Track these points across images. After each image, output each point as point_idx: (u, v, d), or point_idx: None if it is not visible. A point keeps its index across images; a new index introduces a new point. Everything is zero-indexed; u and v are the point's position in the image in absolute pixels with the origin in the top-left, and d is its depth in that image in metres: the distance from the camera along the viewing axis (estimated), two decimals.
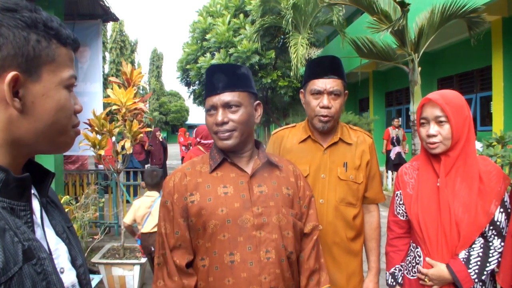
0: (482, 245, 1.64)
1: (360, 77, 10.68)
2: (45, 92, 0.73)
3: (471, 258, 1.62)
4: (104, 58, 27.89)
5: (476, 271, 1.60)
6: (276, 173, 1.49)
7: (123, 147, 4.02)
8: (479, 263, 1.61)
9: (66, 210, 3.44)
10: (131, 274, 3.94)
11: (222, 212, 1.35)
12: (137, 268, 3.94)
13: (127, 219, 3.78)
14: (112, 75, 29.18)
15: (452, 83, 10.66)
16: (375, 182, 1.97)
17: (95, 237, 4.38)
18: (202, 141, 4.22)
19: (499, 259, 1.63)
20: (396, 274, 1.84)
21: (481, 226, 1.62)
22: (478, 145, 5.38)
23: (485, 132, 8.63)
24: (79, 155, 6.48)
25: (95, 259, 4.01)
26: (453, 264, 1.61)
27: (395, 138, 10.25)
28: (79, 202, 4.38)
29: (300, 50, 11.54)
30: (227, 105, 1.38)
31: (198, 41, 15.16)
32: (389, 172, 9.29)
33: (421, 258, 1.71)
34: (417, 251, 1.75)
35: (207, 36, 14.32)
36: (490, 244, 1.64)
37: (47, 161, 4.48)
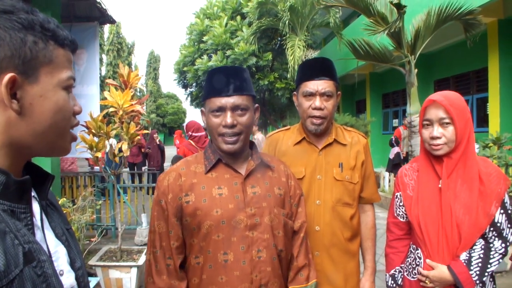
0: (483, 247, 1.64)
1: (357, 79, 10.70)
2: (43, 94, 0.73)
3: (472, 259, 1.62)
4: (101, 60, 27.83)
5: (477, 272, 1.60)
6: (269, 174, 1.52)
7: (120, 149, 4.01)
8: (480, 264, 1.61)
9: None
10: (128, 277, 3.93)
11: (217, 213, 1.38)
12: (134, 271, 3.92)
13: None
14: (109, 77, 29.15)
15: (448, 85, 10.70)
16: (370, 182, 1.98)
17: (92, 239, 4.37)
18: (194, 134, 4.27)
19: (500, 260, 1.64)
20: (396, 275, 1.85)
21: (481, 227, 1.62)
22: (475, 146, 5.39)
23: (481, 133, 8.66)
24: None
25: (92, 261, 4.00)
26: (455, 266, 1.61)
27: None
28: (76, 205, 4.37)
29: (297, 52, 11.56)
30: (236, 108, 1.40)
31: (195, 43, 15.16)
32: (386, 173, 9.31)
33: (421, 260, 1.71)
34: (417, 253, 1.75)
35: (204, 38, 14.33)
36: (491, 245, 1.64)
37: (44, 163, 4.47)
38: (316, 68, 1.86)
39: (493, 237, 1.66)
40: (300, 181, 1.86)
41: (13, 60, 0.68)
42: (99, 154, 3.94)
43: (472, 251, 1.64)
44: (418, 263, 1.73)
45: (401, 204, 1.82)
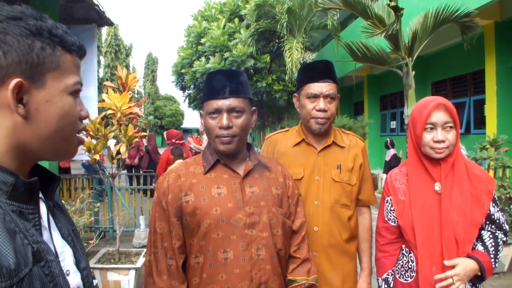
0: (491, 236, 1.71)
1: (355, 80, 10.74)
2: (49, 99, 0.74)
3: (489, 248, 1.67)
4: (98, 62, 27.83)
5: (494, 260, 1.66)
6: (266, 174, 1.55)
7: (118, 152, 4.01)
8: (493, 252, 1.67)
9: None
10: (126, 279, 3.92)
11: (216, 212, 1.40)
12: (132, 273, 3.92)
13: None
14: (107, 79, 29.14)
15: (445, 87, 10.73)
16: (367, 185, 2.00)
17: (90, 241, 4.36)
18: (177, 142, 4.51)
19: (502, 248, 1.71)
20: (389, 279, 1.85)
21: (477, 225, 1.66)
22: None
23: (478, 135, 8.69)
24: None
25: (90, 264, 3.99)
26: (479, 255, 1.64)
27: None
28: (73, 207, 4.37)
29: (295, 54, 11.58)
30: (232, 110, 1.44)
31: (193, 45, 15.17)
32: (384, 175, 9.32)
33: (414, 263, 1.73)
34: (411, 256, 1.76)
35: (202, 40, 14.34)
36: (497, 234, 1.71)
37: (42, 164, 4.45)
38: (320, 70, 1.89)
39: (494, 229, 1.72)
40: (298, 182, 1.87)
41: (20, 65, 0.69)
42: (97, 156, 3.94)
43: (484, 241, 1.69)
44: (411, 266, 1.75)
45: (392, 208, 1.83)
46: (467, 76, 9.85)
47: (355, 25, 11.40)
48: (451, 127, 1.66)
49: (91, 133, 3.88)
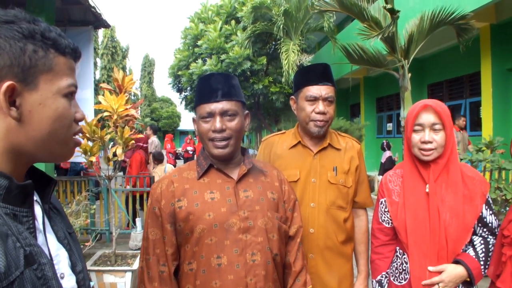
0: (482, 241, 1.70)
1: (351, 83, 10.74)
2: (43, 101, 0.74)
3: (479, 254, 1.66)
4: (95, 64, 27.80)
5: (484, 266, 1.66)
6: (261, 178, 1.53)
7: (114, 154, 4.00)
8: (484, 258, 1.67)
9: None
10: (122, 281, 3.91)
11: (209, 217, 1.38)
12: (128, 275, 3.91)
13: None
14: (103, 81, 29.07)
15: (442, 89, 10.78)
16: (363, 187, 2.01)
17: (86, 244, 4.35)
18: (144, 145, 4.67)
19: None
20: (382, 281, 1.85)
21: (469, 227, 1.66)
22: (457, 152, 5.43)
23: (474, 137, 8.72)
24: None
25: (87, 266, 3.97)
26: (467, 261, 1.64)
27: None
28: (70, 209, 4.35)
29: (292, 56, 11.60)
30: (224, 113, 1.42)
31: (190, 47, 15.17)
32: (380, 177, 9.34)
33: (408, 265, 1.73)
34: (404, 258, 1.76)
35: (199, 43, 14.34)
36: (488, 239, 1.70)
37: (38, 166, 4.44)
38: (319, 73, 1.89)
39: (486, 234, 1.71)
40: (294, 184, 1.88)
41: (13, 68, 0.70)
42: (93, 159, 3.93)
43: (474, 246, 1.69)
44: (405, 268, 1.75)
45: (386, 210, 1.83)
46: (463, 78, 9.90)
47: (351, 27, 11.45)
48: (439, 128, 1.67)
49: (87, 135, 3.87)
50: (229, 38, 13.91)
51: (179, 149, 19.50)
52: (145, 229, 1.47)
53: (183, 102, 17.61)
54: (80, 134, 3.87)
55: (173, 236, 1.42)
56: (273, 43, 14.50)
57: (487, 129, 8.07)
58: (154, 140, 8.41)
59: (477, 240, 1.71)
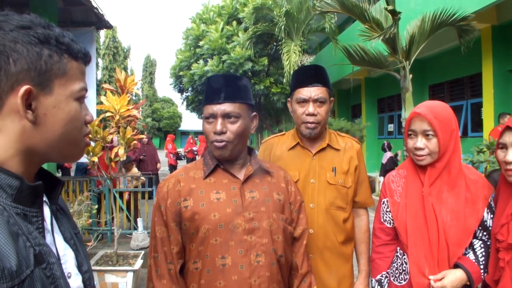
0: (482, 245, 1.71)
1: (353, 83, 10.75)
2: (57, 104, 0.76)
3: (479, 258, 1.68)
4: (97, 64, 27.85)
5: (484, 270, 1.68)
6: (268, 179, 1.53)
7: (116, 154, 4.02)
8: (484, 262, 1.68)
9: None
10: (124, 281, 3.92)
11: (215, 217, 1.39)
12: (130, 275, 3.92)
13: None
14: (105, 82, 29.12)
15: (443, 90, 10.78)
16: (363, 187, 2.01)
17: (88, 243, 4.36)
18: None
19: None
20: (382, 281, 1.86)
21: (470, 231, 1.67)
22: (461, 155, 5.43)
23: (476, 138, 8.73)
24: None
25: None
26: (468, 265, 1.65)
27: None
28: (72, 209, 4.37)
29: (293, 57, 11.62)
30: (227, 115, 1.43)
31: (191, 48, 15.21)
32: (381, 177, 9.34)
33: (408, 265, 1.74)
34: (405, 258, 1.77)
35: (200, 43, 14.39)
36: (488, 243, 1.71)
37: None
38: (309, 75, 1.90)
39: (485, 239, 1.72)
40: None
41: (29, 72, 0.72)
42: (95, 159, 3.94)
43: (474, 250, 1.70)
44: (405, 269, 1.76)
45: (388, 210, 1.84)
46: (464, 79, 9.90)
47: (352, 28, 11.45)
48: (432, 135, 1.67)
49: (89, 135, 3.88)
50: (231, 39, 13.95)
51: (180, 150, 19.46)
52: (152, 227, 1.48)
53: (185, 103, 17.65)
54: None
55: (179, 234, 1.44)
56: (275, 44, 14.53)
57: (489, 130, 8.06)
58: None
59: (477, 243, 1.72)
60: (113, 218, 4.71)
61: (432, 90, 11.30)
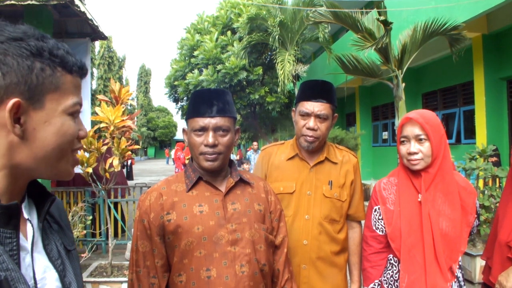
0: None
1: (347, 92, 10.84)
2: (47, 120, 0.73)
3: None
4: (91, 74, 27.83)
5: None
6: (248, 190, 1.55)
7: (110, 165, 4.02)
8: None
9: None
10: None
11: (198, 230, 1.40)
12: (124, 286, 3.90)
13: None
14: (100, 91, 29.11)
15: (436, 98, 10.87)
16: (356, 200, 2.02)
17: (82, 255, 4.35)
18: None
19: None
20: None
21: (465, 239, 1.70)
22: (451, 161, 5.48)
23: (469, 145, 8.80)
24: None
25: (83, 277, 3.97)
26: None
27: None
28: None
29: (287, 66, 11.71)
30: (218, 129, 1.45)
31: (186, 58, 15.28)
32: None
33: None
34: (399, 266, 1.78)
35: (195, 53, 14.45)
36: None
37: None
38: (315, 90, 1.91)
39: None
40: (290, 196, 1.91)
41: (19, 86, 0.68)
42: (90, 170, 3.95)
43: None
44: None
45: (380, 217, 1.86)
46: (456, 87, 10.00)
47: (346, 38, 11.57)
48: (425, 139, 1.71)
49: (84, 146, 3.89)
50: (225, 49, 14.03)
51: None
52: (133, 241, 1.48)
53: (180, 112, 17.67)
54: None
55: (163, 248, 1.44)
56: (269, 53, 14.64)
57: (481, 137, 8.15)
58: None
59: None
60: (107, 229, 4.69)
61: (426, 98, 11.40)
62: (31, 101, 0.70)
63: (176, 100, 17.04)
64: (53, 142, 0.74)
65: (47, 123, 0.73)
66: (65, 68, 0.75)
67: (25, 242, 0.74)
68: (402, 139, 1.78)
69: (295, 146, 2.02)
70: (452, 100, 10.27)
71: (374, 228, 1.88)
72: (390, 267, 1.83)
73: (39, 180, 0.84)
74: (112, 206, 5.79)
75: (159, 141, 48.12)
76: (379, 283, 1.86)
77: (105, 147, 3.99)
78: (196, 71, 14.28)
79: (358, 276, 2.02)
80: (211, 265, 1.38)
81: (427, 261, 1.68)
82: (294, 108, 2.02)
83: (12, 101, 0.67)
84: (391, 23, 6.49)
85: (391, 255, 1.84)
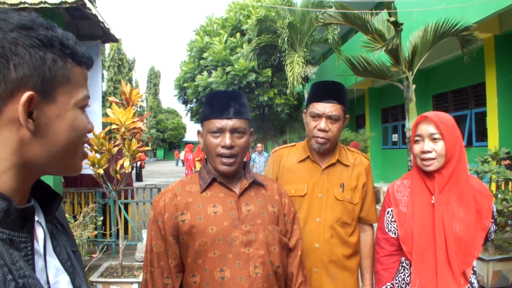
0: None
1: (356, 94, 10.80)
2: (60, 114, 0.70)
3: None
4: (102, 76, 28.08)
5: None
6: (262, 192, 1.55)
7: (121, 166, 4.05)
8: None
9: None
10: None
11: (212, 231, 1.40)
12: (135, 287, 3.92)
13: None
14: (110, 93, 29.32)
15: (447, 100, 10.79)
16: (367, 203, 2.00)
17: (93, 255, 4.38)
18: None
19: None
20: None
21: (480, 242, 1.68)
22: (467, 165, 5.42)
23: (480, 147, 8.70)
24: None
25: (93, 277, 4.00)
26: None
27: None
28: (77, 220, 4.39)
29: (296, 68, 11.70)
30: (234, 130, 1.45)
31: (195, 60, 15.33)
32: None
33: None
34: (411, 269, 1.76)
35: (204, 55, 14.50)
36: None
37: (46, 179, 4.50)
38: (326, 91, 1.90)
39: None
40: (302, 199, 1.90)
41: (32, 79, 0.65)
42: (101, 171, 3.98)
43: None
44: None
45: (392, 220, 1.84)
46: (467, 89, 9.91)
47: (355, 39, 11.52)
48: (439, 138, 1.69)
49: (95, 147, 3.92)
50: (234, 51, 14.06)
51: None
52: (148, 241, 1.48)
53: (189, 114, 17.74)
54: (88, 146, 3.92)
55: (177, 248, 1.44)
56: (278, 55, 14.63)
57: (493, 140, 8.05)
58: None
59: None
60: (118, 230, 4.72)
61: (436, 99, 11.31)
62: (43, 95, 0.67)
63: (185, 102, 17.10)
64: (65, 137, 0.71)
65: (60, 117, 0.70)
66: (75, 59, 0.72)
67: (38, 246, 0.71)
68: (416, 138, 1.76)
69: (306, 148, 2.01)
70: (463, 101, 10.18)
71: (386, 230, 1.86)
72: (402, 270, 1.82)
73: (41, 179, 0.80)
74: (122, 207, 5.82)
75: (168, 143, 48.31)
76: (391, 286, 1.85)
77: (116, 149, 4.02)
78: (205, 73, 14.32)
79: (370, 279, 2.00)
80: (225, 266, 1.38)
81: (438, 264, 1.66)
82: (305, 110, 2.01)
83: (26, 94, 0.64)
84: (401, 24, 6.45)
85: (404, 258, 1.82)
